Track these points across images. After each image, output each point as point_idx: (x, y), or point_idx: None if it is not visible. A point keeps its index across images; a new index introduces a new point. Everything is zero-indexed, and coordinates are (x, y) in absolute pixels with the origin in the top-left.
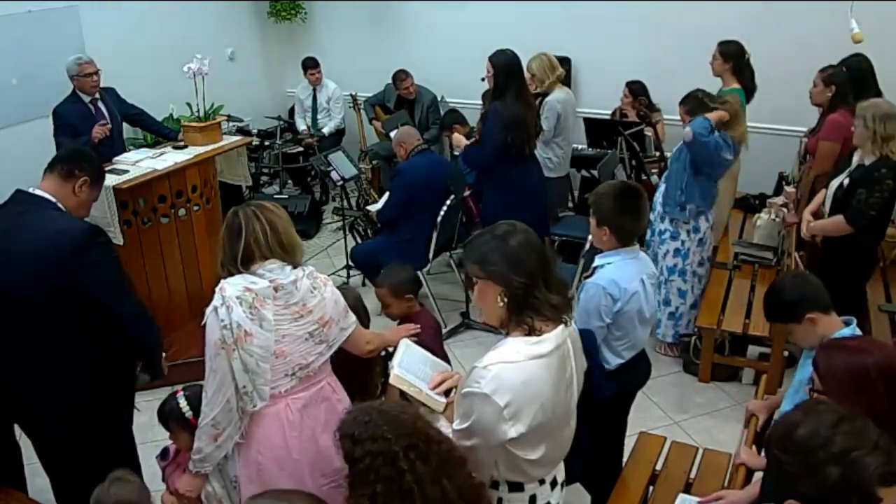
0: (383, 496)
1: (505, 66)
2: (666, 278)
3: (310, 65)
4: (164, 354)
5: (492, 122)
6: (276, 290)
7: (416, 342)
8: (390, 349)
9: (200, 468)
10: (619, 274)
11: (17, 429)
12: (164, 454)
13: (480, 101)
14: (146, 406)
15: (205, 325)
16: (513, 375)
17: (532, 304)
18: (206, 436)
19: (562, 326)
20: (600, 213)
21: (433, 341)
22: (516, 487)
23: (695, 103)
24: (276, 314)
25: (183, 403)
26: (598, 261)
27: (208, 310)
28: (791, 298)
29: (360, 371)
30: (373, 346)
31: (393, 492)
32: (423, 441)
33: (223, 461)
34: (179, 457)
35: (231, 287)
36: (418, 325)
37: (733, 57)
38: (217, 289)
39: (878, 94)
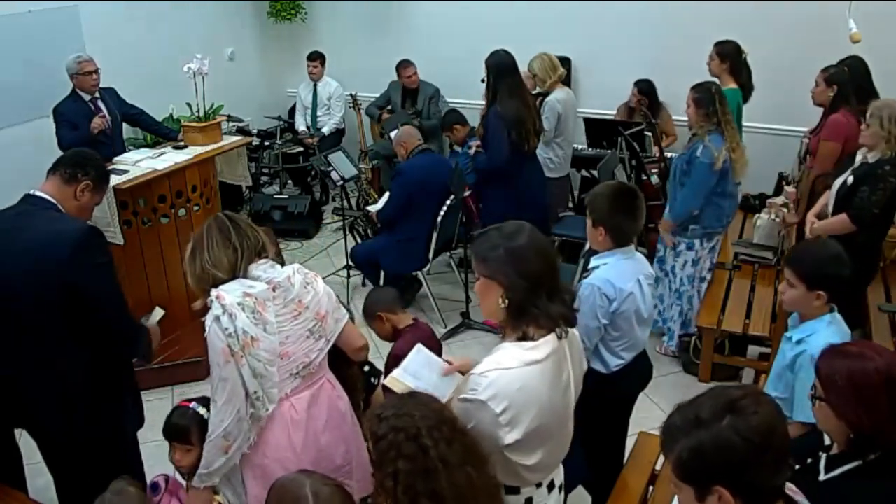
0: (405, 474)
1: (495, 67)
2: (678, 288)
3: (309, 57)
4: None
5: (494, 123)
6: (273, 289)
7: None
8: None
9: (207, 482)
10: (613, 274)
11: (16, 429)
12: (154, 488)
13: (483, 102)
14: (146, 406)
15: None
16: (509, 382)
17: (531, 313)
18: (216, 448)
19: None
20: (596, 213)
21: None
22: (512, 490)
23: (706, 95)
24: (277, 315)
25: (202, 410)
26: (593, 262)
27: (208, 320)
28: (835, 270)
29: (342, 368)
30: (364, 342)
31: (416, 470)
32: (449, 427)
33: (229, 470)
34: (171, 485)
35: (230, 294)
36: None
37: (730, 56)
38: (213, 297)
39: (875, 94)
